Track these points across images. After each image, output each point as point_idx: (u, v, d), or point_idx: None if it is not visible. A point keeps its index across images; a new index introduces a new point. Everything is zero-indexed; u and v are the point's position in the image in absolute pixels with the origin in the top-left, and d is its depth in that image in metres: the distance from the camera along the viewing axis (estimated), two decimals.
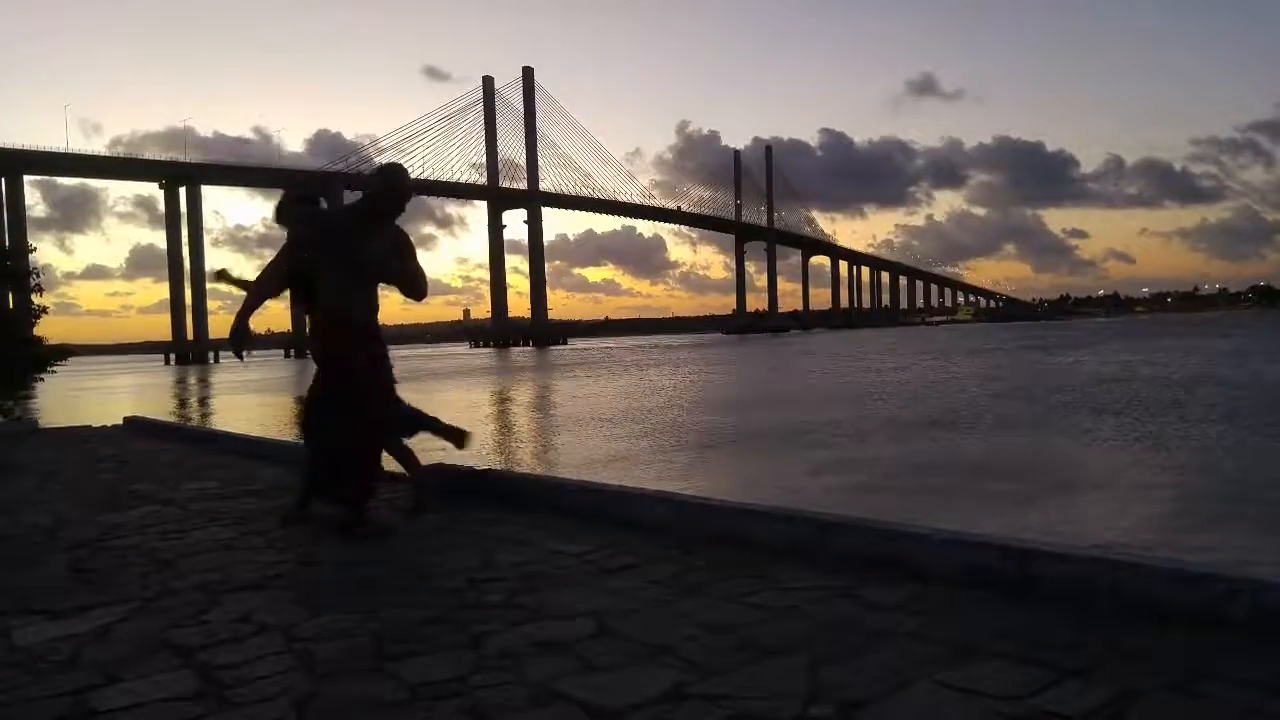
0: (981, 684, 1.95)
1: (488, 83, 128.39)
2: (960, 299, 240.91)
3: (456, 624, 2.54)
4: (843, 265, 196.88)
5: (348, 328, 3.75)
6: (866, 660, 2.13)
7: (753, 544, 3.24)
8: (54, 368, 14.62)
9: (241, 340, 3.95)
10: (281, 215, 4.25)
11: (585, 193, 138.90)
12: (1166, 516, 7.68)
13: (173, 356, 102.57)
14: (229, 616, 2.69)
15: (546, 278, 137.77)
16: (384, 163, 4.25)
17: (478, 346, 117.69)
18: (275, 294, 4.07)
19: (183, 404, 32.39)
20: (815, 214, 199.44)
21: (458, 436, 4.30)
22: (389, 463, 4.15)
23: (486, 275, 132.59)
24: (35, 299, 14.12)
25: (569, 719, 1.89)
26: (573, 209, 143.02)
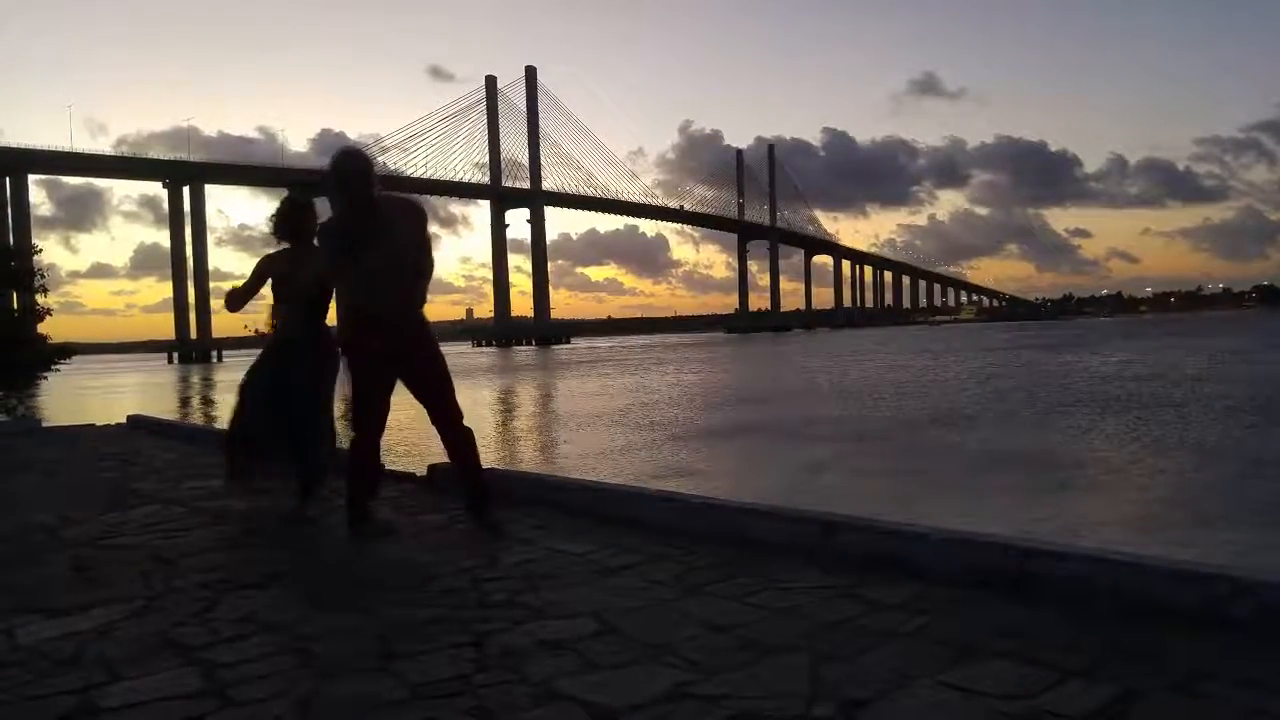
0: (983, 684, 1.95)
1: (490, 82, 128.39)
2: (963, 298, 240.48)
3: (458, 623, 2.54)
4: (845, 264, 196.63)
5: (358, 324, 3.67)
6: (868, 660, 2.13)
7: (754, 543, 3.24)
8: (57, 366, 14.66)
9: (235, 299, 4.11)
10: (288, 221, 4.16)
11: (588, 192, 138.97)
12: (1169, 515, 7.67)
13: (175, 355, 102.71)
14: (231, 615, 2.69)
15: (549, 277, 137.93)
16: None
17: (480, 346, 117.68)
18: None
19: (185, 403, 32.44)
20: (818, 213, 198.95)
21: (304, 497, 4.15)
22: (391, 463, 4.17)
23: (489, 274, 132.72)
24: (40, 299, 14.16)
25: (570, 718, 1.89)
26: (575, 208, 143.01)
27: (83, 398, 32.51)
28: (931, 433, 13.89)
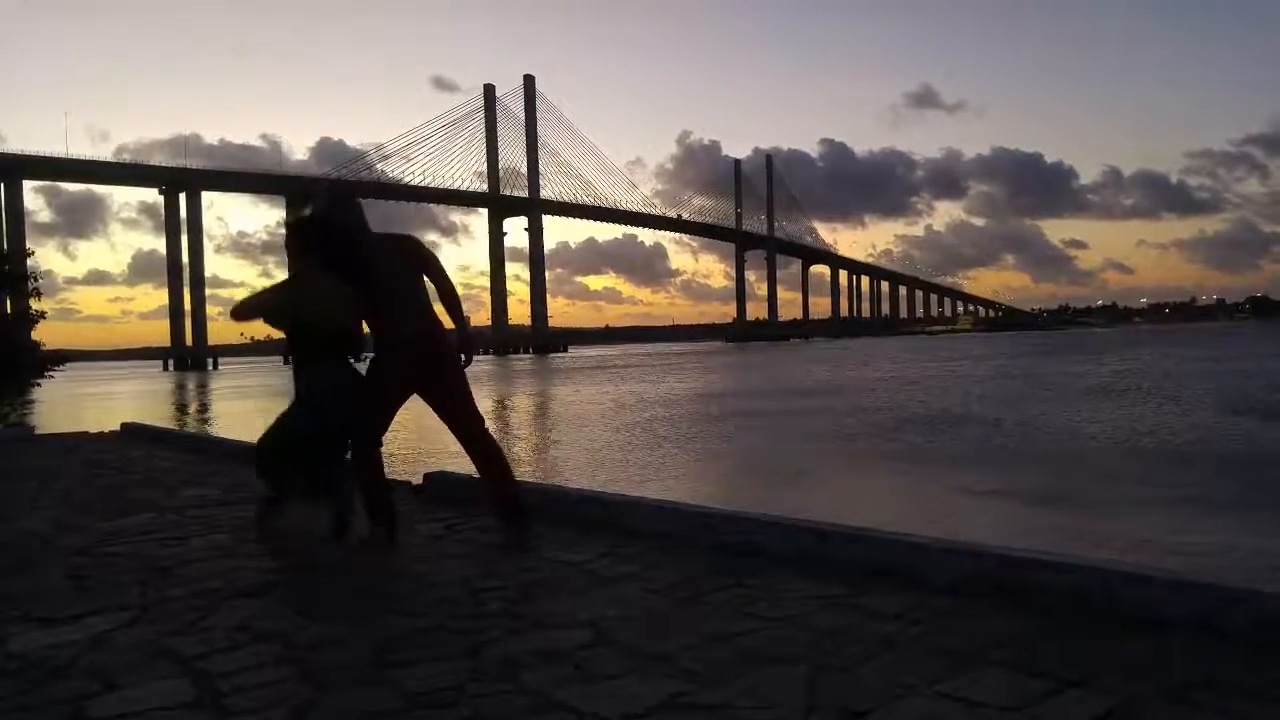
0: (981, 694, 1.95)
1: (489, 90, 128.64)
2: (960, 308, 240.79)
3: (455, 633, 2.53)
4: (843, 274, 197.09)
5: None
6: (866, 670, 2.13)
7: (753, 553, 3.24)
8: (51, 373, 14.61)
9: None
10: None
11: (587, 200, 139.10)
12: (1168, 522, 7.67)
13: (171, 362, 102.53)
14: (227, 624, 2.68)
15: (547, 285, 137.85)
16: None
17: (478, 353, 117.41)
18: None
19: (181, 410, 32.36)
20: (816, 224, 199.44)
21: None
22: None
23: (488, 283, 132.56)
24: (34, 304, 14.12)
25: None
26: (574, 217, 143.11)
27: (77, 405, 32.41)
28: (926, 433, 13.91)
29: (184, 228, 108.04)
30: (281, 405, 4.25)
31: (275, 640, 2.51)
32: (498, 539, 3.74)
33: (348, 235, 3.54)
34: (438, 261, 3.66)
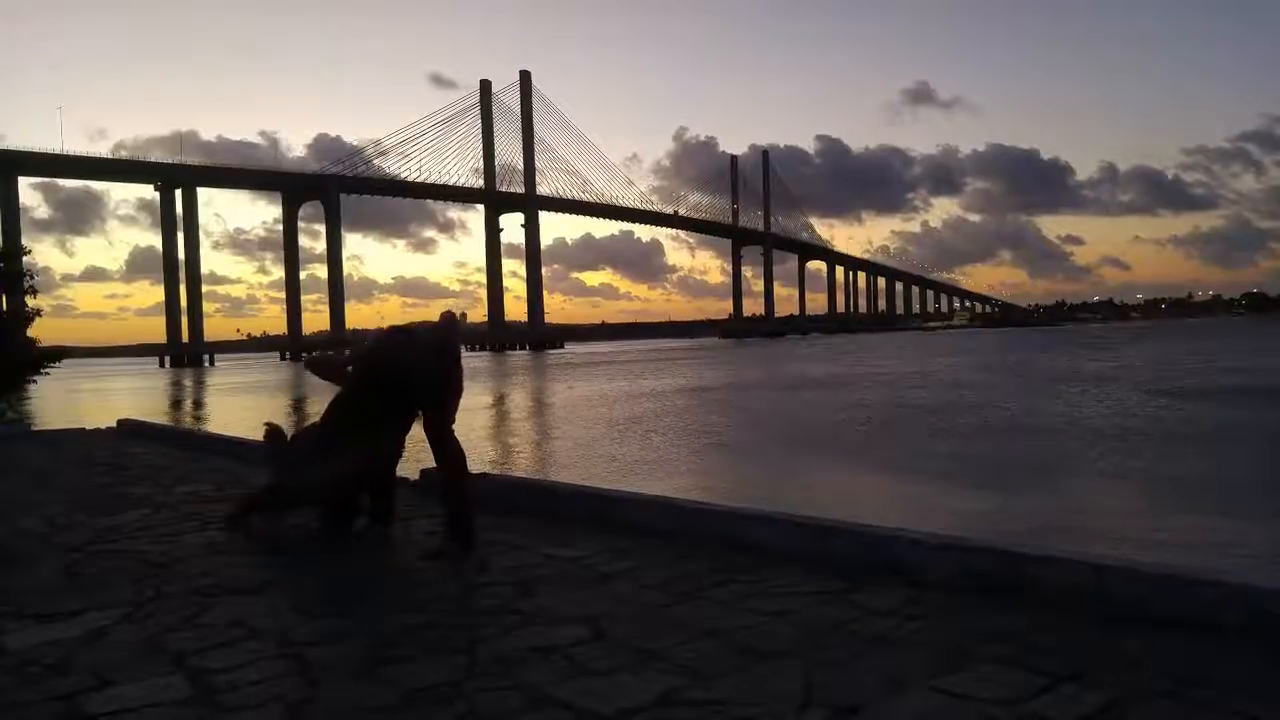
0: (977, 689, 1.95)
1: (485, 86, 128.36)
2: (956, 304, 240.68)
3: (451, 629, 2.53)
4: (839, 270, 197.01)
5: None
6: (862, 665, 2.13)
7: (749, 548, 3.24)
8: (48, 369, 14.58)
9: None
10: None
11: (583, 197, 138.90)
12: (1164, 517, 7.69)
13: (167, 359, 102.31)
14: (222, 621, 2.68)
15: (544, 281, 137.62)
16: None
17: (474, 350, 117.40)
18: None
19: (177, 406, 32.31)
20: (813, 220, 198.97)
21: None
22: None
23: (484, 279, 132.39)
24: (30, 301, 14.08)
25: None
26: (570, 213, 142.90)
27: (74, 401, 32.34)
28: (920, 424, 13.94)
29: (180, 224, 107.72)
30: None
31: (271, 636, 2.51)
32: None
33: (396, 366, 3.85)
34: (457, 349, 3.97)
